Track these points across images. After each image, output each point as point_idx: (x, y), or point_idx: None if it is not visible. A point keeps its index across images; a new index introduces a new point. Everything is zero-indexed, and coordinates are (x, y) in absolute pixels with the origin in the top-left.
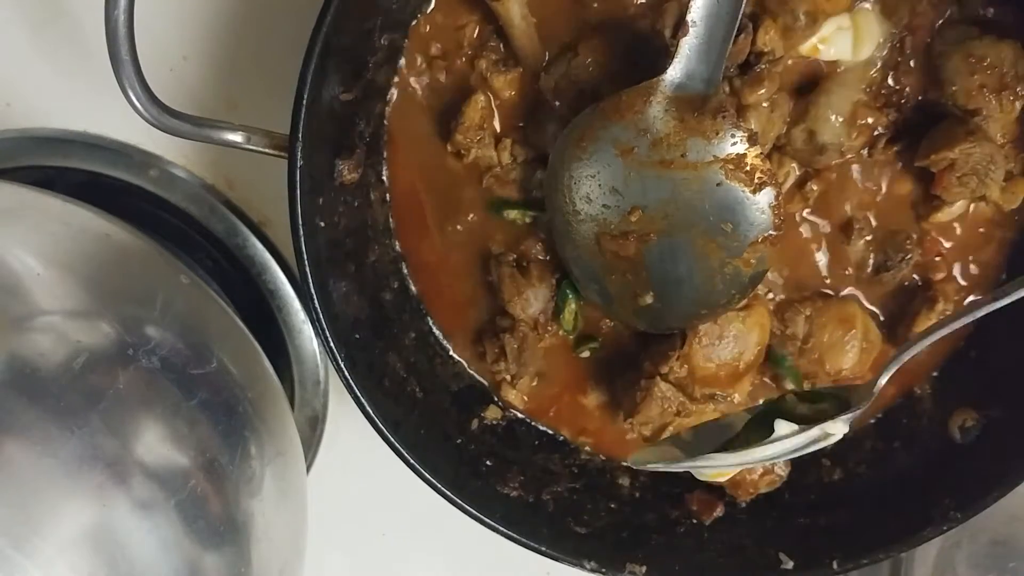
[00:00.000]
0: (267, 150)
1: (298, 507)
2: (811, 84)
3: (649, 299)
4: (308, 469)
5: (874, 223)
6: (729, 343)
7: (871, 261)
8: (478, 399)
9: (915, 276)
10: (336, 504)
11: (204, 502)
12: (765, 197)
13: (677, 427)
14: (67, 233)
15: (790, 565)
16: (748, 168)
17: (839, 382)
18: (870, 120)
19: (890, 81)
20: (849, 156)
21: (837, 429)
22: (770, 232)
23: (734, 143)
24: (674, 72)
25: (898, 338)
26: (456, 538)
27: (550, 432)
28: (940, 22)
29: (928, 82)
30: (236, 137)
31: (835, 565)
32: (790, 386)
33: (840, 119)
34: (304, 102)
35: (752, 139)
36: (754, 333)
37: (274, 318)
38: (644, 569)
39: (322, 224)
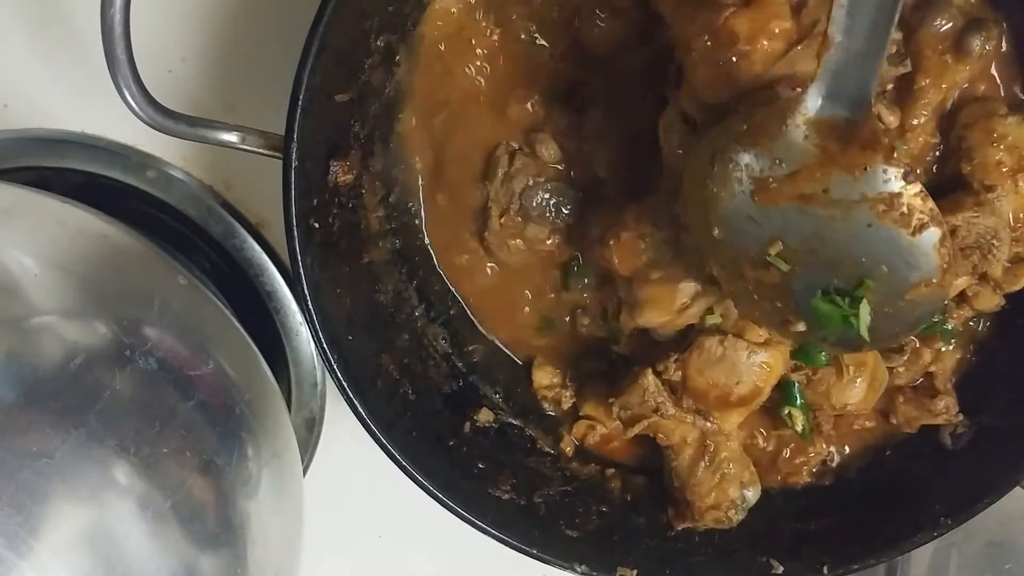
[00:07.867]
0: (262, 151)
1: (294, 509)
2: None
3: (801, 327)
4: (305, 471)
5: None
6: (727, 366)
7: None
8: (470, 402)
9: None
10: (333, 506)
11: (200, 504)
12: (928, 238)
13: (652, 425)
14: (64, 234)
15: (780, 570)
16: (904, 210)
17: (842, 416)
18: None
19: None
20: None
21: None
22: (935, 275)
23: (886, 180)
24: (815, 92)
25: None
26: (452, 540)
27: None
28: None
29: (948, 150)
30: (231, 137)
31: (825, 570)
32: (799, 428)
33: None
34: (299, 103)
35: (908, 176)
36: (757, 371)
37: (271, 320)
38: (635, 573)
39: (316, 225)
